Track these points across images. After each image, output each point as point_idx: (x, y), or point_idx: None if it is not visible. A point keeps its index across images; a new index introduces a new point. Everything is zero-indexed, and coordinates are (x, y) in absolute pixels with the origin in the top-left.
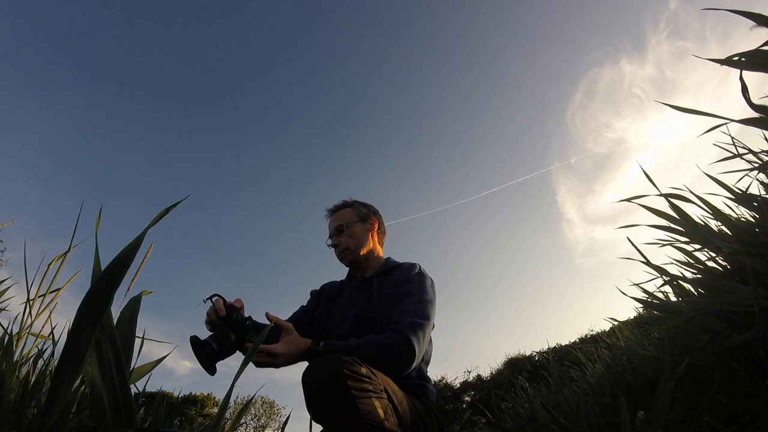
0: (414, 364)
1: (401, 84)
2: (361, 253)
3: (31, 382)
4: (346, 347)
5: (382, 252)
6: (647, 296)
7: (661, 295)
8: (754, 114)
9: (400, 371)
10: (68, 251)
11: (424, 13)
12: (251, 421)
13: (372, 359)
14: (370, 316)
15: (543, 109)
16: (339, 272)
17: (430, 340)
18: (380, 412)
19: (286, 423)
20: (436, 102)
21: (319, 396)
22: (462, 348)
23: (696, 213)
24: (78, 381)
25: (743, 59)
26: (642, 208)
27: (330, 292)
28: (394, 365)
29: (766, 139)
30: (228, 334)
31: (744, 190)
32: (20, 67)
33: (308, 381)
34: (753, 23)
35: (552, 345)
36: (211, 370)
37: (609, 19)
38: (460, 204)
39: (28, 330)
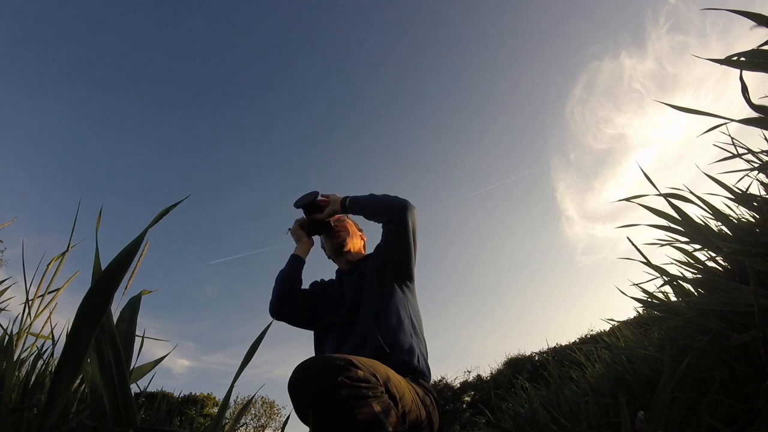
0: (410, 214)
1: (400, 84)
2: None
3: (31, 382)
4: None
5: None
6: (647, 296)
7: (661, 295)
8: (753, 114)
9: (401, 206)
10: (67, 251)
11: (424, 11)
12: (251, 421)
13: (380, 199)
14: (361, 284)
15: (542, 103)
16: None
17: (423, 337)
18: (380, 416)
19: (286, 423)
20: (435, 100)
21: (311, 408)
22: (462, 348)
23: (696, 213)
24: (78, 381)
25: (743, 59)
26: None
27: (322, 283)
28: (398, 201)
29: (766, 139)
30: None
31: (744, 190)
32: (18, 64)
33: (299, 391)
34: (753, 23)
35: (552, 345)
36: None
37: (609, 13)
38: (458, 201)
39: (27, 330)
